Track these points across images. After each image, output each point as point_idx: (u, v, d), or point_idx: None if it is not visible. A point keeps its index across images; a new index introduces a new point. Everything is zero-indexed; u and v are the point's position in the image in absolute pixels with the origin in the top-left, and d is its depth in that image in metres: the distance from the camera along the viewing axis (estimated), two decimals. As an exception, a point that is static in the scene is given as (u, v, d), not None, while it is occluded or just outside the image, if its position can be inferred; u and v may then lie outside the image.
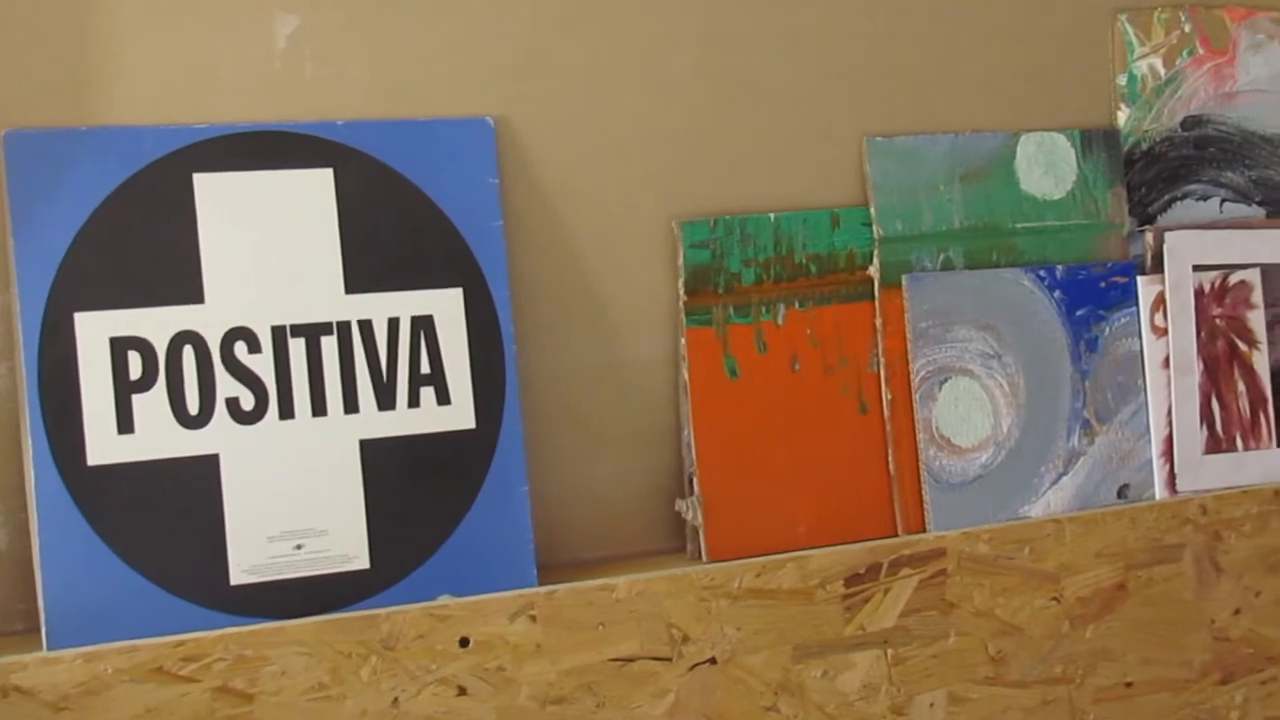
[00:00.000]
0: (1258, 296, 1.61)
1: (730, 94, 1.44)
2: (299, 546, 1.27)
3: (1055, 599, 1.49)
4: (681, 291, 1.41)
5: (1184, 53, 1.62)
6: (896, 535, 1.46)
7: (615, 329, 1.42)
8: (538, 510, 1.36)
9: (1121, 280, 1.56)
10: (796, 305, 1.43)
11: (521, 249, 1.38)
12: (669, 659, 1.34)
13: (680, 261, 1.41)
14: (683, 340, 1.41)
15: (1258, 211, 1.65)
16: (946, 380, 1.48)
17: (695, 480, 1.40)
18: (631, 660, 1.33)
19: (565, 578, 1.33)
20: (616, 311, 1.42)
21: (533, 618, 1.29)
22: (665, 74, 1.42)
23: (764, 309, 1.42)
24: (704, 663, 1.35)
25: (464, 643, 1.27)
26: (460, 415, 1.31)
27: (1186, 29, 1.62)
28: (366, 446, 1.29)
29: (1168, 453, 1.57)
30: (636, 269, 1.42)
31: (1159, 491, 1.56)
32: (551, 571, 1.36)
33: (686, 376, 1.40)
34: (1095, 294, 1.54)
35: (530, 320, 1.38)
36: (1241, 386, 1.60)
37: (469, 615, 1.27)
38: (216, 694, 1.20)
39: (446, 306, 1.31)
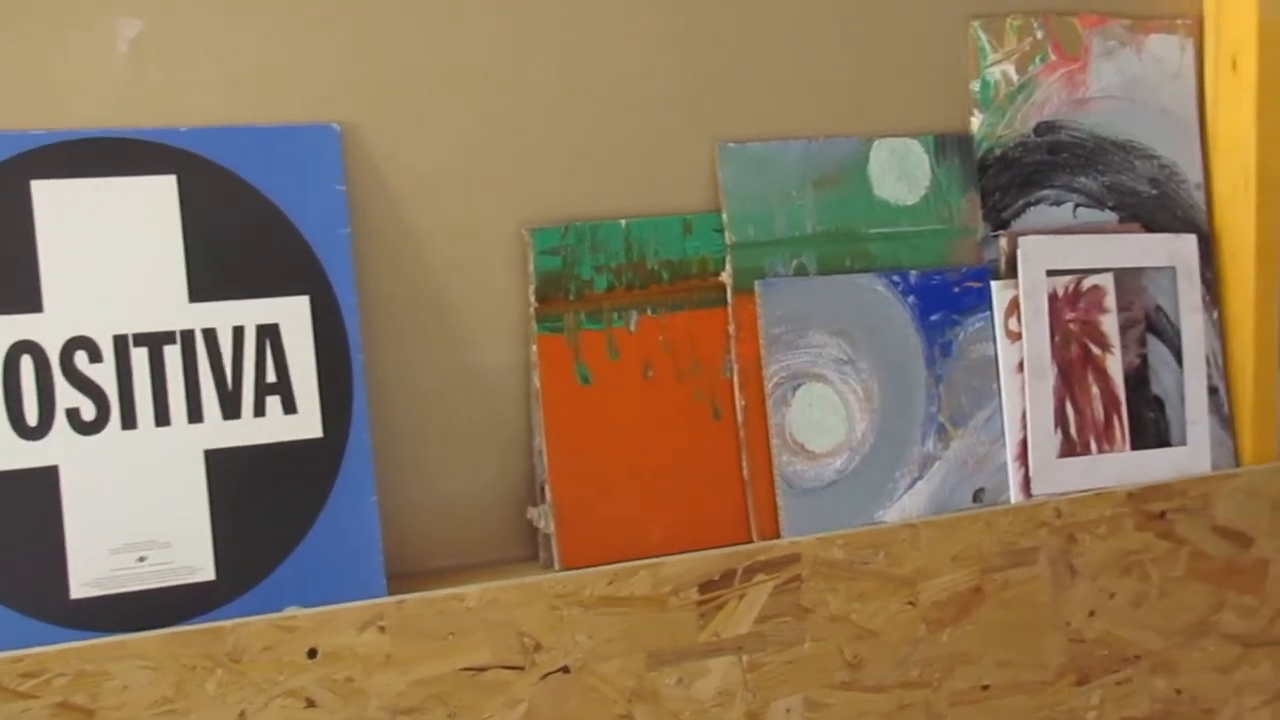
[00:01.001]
0: (1111, 301, 1.75)
1: (582, 100, 1.54)
2: (142, 559, 1.34)
3: (911, 603, 1.61)
4: (532, 298, 1.50)
5: (1037, 59, 1.75)
6: (751, 541, 1.56)
7: (466, 336, 1.51)
8: (387, 519, 1.45)
9: (975, 285, 1.68)
10: (649, 312, 1.54)
11: (370, 256, 1.47)
12: (521, 668, 1.43)
13: (531, 268, 1.50)
14: (534, 347, 1.51)
15: (1111, 216, 1.78)
16: (800, 386, 1.59)
17: (547, 488, 1.50)
18: (483, 670, 1.42)
19: (416, 587, 1.42)
20: (467, 318, 1.51)
21: (382, 628, 1.38)
22: (516, 80, 1.51)
23: (616, 315, 1.52)
24: (556, 671, 1.45)
25: (312, 654, 1.35)
26: (307, 424, 1.40)
27: (1039, 35, 1.75)
28: (211, 457, 1.37)
29: (1022, 456, 1.69)
30: (487, 276, 1.51)
31: (1014, 495, 1.69)
32: (402, 581, 1.45)
33: (538, 383, 1.50)
34: (949, 299, 1.66)
35: (379, 328, 1.47)
36: (1095, 390, 1.74)
37: (317, 626, 1.36)
38: (57, 710, 1.27)
39: (293, 314, 1.40)
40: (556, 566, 1.50)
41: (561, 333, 1.50)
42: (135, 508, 1.34)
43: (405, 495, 1.49)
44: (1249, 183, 1.80)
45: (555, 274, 1.50)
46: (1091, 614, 1.71)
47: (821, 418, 1.59)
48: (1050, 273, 1.70)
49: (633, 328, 1.53)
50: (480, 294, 1.51)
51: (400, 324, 1.48)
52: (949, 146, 1.68)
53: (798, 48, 1.63)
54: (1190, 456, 1.79)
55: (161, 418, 1.35)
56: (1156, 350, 1.78)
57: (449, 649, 1.40)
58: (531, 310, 1.50)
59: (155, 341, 1.35)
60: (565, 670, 1.45)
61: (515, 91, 1.51)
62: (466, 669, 1.41)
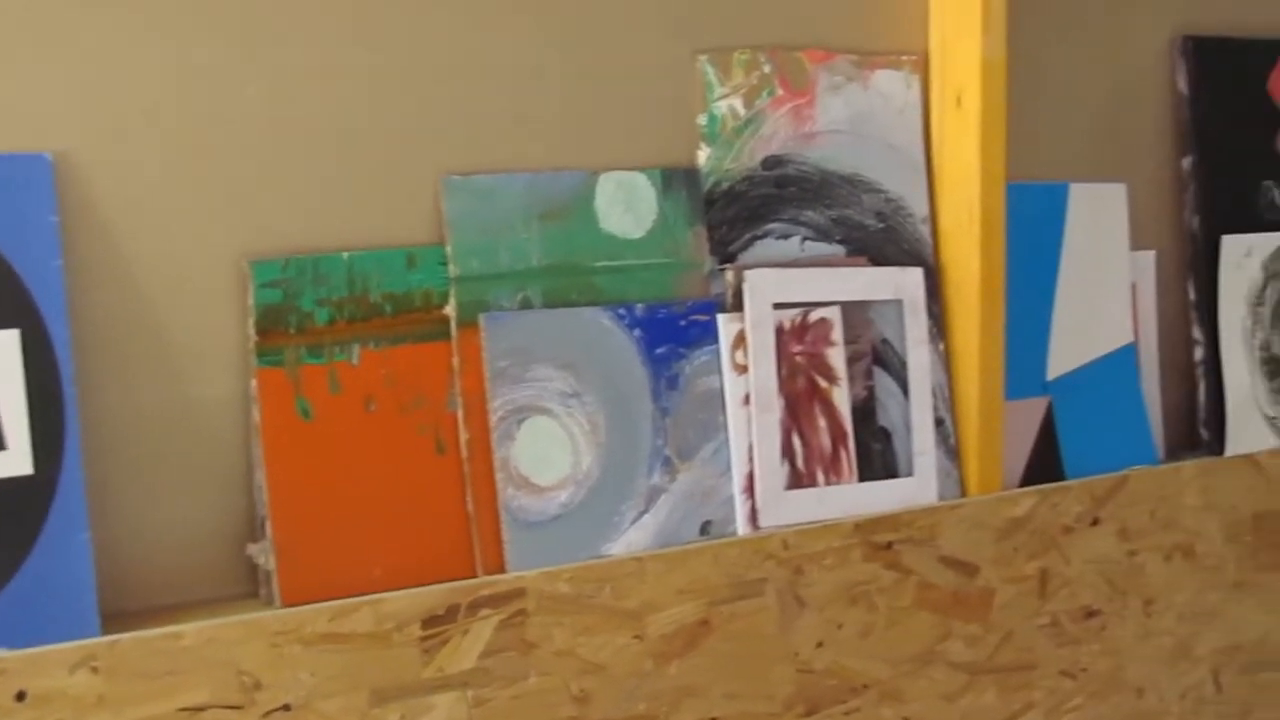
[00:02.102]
0: (838, 334, 1.93)
1: (304, 131, 1.66)
2: None
3: (638, 637, 1.75)
4: (252, 331, 1.62)
5: (764, 93, 1.92)
6: (475, 576, 1.70)
7: (184, 370, 1.62)
8: (102, 557, 1.55)
9: (702, 318, 1.84)
10: (371, 345, 1.66)
11: (84, 288, 1.56)
12: (241, 707, 1.54)
13: (250, 301, 1.62)
14: (253, 381, 1.62)
15: (838, 250, 1.96)
16: (525, 419, 1.73)
17: (267, 524, 1.61)
18: (202, 709, 1.52)
19: (132, 626, 1.51)
20: (185, 351, 1.62)
21: (94, 669, 1.47)
22: (235, 110, 1.62)
23: (338, 349, 1.65)
24: (278, 710, 1.56)
25: (20, 697, 1.44)
26: (16, 461, 1.49)
27: (766, 70, 1.93)
28: (-85, 495, 1.45)
29: (750, 489, 1.86)
30: (206, 309, 1.62)
31: (741, 527, 1.85)
32: (118, 620, 1.54)
33: (258, 418, 1.62)
34: (676, 332, 1.82)
35: (94, 361, 1.57)
36: (822, 422, 1.91)
37: (25, 668, 1.44)
38: None
39: (1, 348, 1.49)
40: (277, 603, 1.61)
41: (282, 366, 1.62)
42: None
43: (121, 532, 1.59)
44: (973, 217, 2.00)
45: (276, 307, 1.62)
46: (819, 645, 1.88)
47: (546, 451, 1.73)
48: (777, 306, 1.87)
49: (355, 361, 1.65)
50: (199, 327, 1.62)
51: (116, 357, 1.58)
52: (676, 180, 1.84)
53: (524, 80, 1.77)
54: (917, 487, 1.97)
55: None
56: (883, 382, 1.97)
57: (166, 689, 1.50)
58: (251, 344, 1.61)
59: None
60: (286, 709, 1.56)
61: (234, 122, 1.62)
62: (184, 709, 1.51)
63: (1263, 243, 2.34)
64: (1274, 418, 2.33)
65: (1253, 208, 2.34)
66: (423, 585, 1.64)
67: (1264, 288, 2.34)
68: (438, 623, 1.63)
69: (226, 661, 1.53)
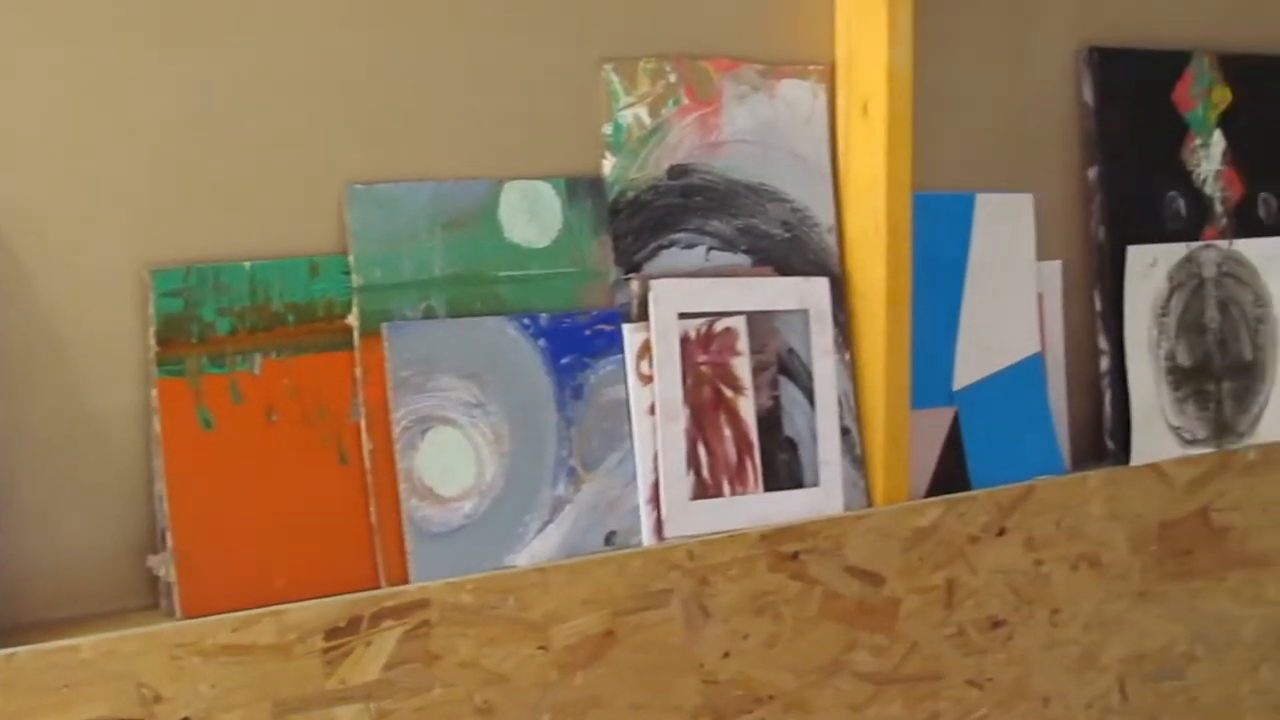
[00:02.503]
0: (743, 343, 1.99)
1: (206, 139, 1.69)
2: None
3: (542, 648, 1.80)
4: (152, 341, 1.65)
5: (670, 102, 1.98)
6: (379, 587, 1.74)
7: (83, 380, 1.65)
8: (-2, 570, 1.58)
9: (607, 328, 1.90)
10: (274, 355, 1.70)
11: (-20, 298, 1.60)
12: (140, 720, 1.58)
13: (151, 310, 1.65)
14: (154, 391, 1.66)
15: (743, 260, 2.02)
16: (429, 429, 1.78)
17: (168, 534, 1.65)
18: (100, 723, 1.56)
19: (30, 639, 1.54)
20: (85, 362, 1.65)
21: (-8, 681, 1.51)
22: (135, 116, 1.65)
23: (239, 359, 1.69)
24: (178, 722, 1.60)
25: (-84, 710, 1.48)
26: (-88, 472, 1.52)
27: (672, 79, 1.98)
28: None
29: (655, 499, 1.91)
30: (106, 319, 1.65)
31: (647, 538, 1.91)
32: (15, 634, 1.56)
33: (158, 428, 1.65)
34: (580, 342, 1.87)
35: (-10, 372, 1.60)
36: (728, 432, 1.97)
37: (-79, 681, 1.48)
38: None
39: (-103, 358, 1.52)
40: (178, 615, 1.64)
41: (183, 376, 1.65)
42: None
43: (19, 545, 1.62)
44: (879, 227, 2.06)
45: (176, 316, 1.65)
46: (725, 655, 1.93)
47: (450, 462, 1.78)
48: (682, 315, 1.93)
49: (257, 371, 1.69)
50: (99, 337, 1.65)
51: (13, 368, 1.61)
52: (581, 189, 1.90)
53: (428, 89, 1.81)
54: (823, 497, 2.04)
55: None
56: (789, 392, 2.03)
57: (63, 703, 1.53)
58: (152, 353, 1.65)
59: None
60: (186, 721, 1.60)
61: (134, 129, 1.65)
62: (82, 722, 1.55)
63: (1168, 253, 2.42)
64: (1179, 427, 2.42)
65: (1158, 218, 2.43)
66: (326, 596, 1.68)
67: (1169, 298, 2.42)
68: (340, 634, 1.67)
69: (126, 674, 1.56)
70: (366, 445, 1.74)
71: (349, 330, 1.74)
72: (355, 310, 1.74)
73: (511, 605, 1.77)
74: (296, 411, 1.71)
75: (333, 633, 1.67)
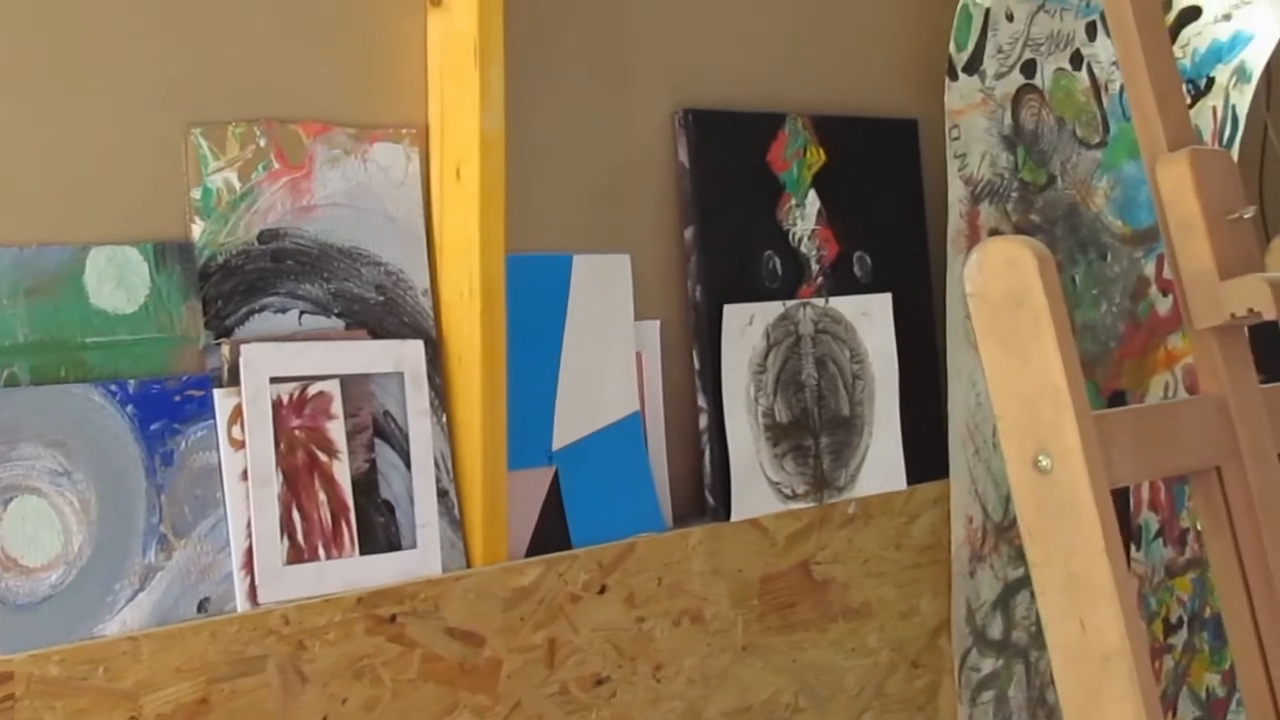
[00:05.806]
0: (337, 407, 2.15)
1: None
2: None
3: (134, 717, 1.92)
4: None
5: (260, 167, 2.13)
6: None
7: None
8: None
9: (198, 393, 2.03)
10: None
11: None
12: None
13: None
14: None
15: (337, 323, 2.18)
16: (13, 499, 1.88)
17: None
18: None
19: None
20: None
21: None
22: None
23: None
24: None
25: None
26: None
27: (262, 143, 2.14)
28: None
29: (249, 565, 2.05)
30: None
31: (241, 604, 2.04)
32: None
33: None
34: (170, 408, 2.01)
35: None
36: (323, 496, 2.13)
37: None
38: None
39: None
40: None
41: None
42: None
43: None
44: (474, 289, 2.24)
45: None
46: (324, 720, 2.08)
47: (36, 531, 1.88)
48: (274, 380, 2.08)
49: None
50: None
51: None
52: (170, 254, 2.03)
53: (6, 153, 1.92)
54: (420, 559, 2.20)
55: None
56: (386, 455, 2.19)
57: None
58: None
59: None
60: None
61: None
62: None
63: (765, 310, 2.66)
64: (778, 482, 2.66)
65: (755, 277, 2.66)
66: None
67: (767, 354, 2.66)
68: (-75, 711, 1.77)
69: None
70: (-41, 517, 1.84)
71: (-68, 400, 1.84)
72: (-65, 381, 1.84)
73: (101, 675, 1.88)
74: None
75: (-82, 709, 1.76)
